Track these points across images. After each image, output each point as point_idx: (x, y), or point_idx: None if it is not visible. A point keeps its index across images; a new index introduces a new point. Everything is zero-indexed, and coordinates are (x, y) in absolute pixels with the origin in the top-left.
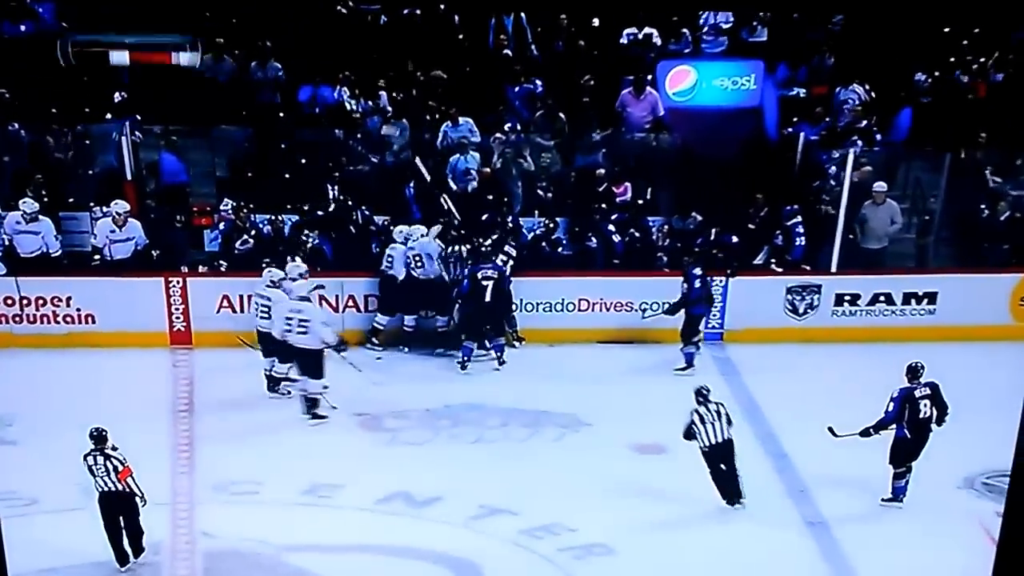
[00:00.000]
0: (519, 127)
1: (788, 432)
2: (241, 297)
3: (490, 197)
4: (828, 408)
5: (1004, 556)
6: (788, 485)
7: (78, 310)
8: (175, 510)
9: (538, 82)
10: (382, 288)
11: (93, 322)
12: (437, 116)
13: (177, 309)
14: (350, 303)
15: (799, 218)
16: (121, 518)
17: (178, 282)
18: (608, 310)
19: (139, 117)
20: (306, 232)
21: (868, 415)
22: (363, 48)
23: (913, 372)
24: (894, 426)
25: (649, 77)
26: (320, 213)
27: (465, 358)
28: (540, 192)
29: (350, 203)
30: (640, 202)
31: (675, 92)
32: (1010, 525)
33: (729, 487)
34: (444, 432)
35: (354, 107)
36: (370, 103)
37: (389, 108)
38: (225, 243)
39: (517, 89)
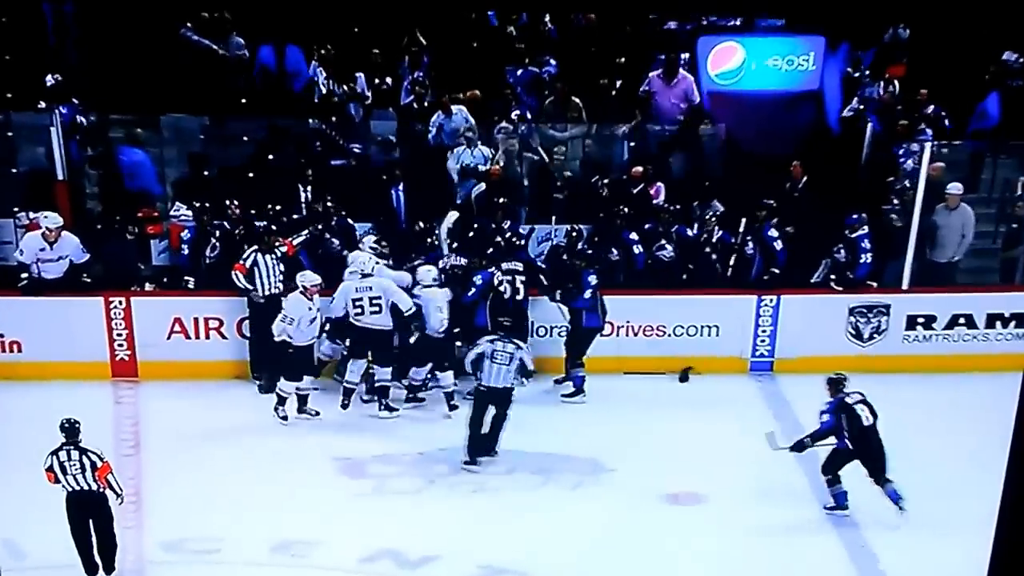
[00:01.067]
0: (529, 116)
1: (852, 484)
2: (197, 320)
3: (503, 200)
4: (900, 452)
5: (1000, 556)
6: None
7: (0, 336)
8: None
9: (552, 62)
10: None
11: (19, 351)
12: (426, 104)
13: (120, 335)
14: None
15: (866, 228)
16: (92, 523)
17: (120, 303)
18: (635, 335)
19: (77, 102)
20: (278, 240)
21: (950, 460)
22: (337, 18)
23: (836, 385)
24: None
25: (686, 56)
26: (295, 218)
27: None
28: (554, 194)
29: (327, 206)
30: (672, 207)
31: (719, 73)
32: (1006, 525)
33: (483, 441)
34: (440, 480)
35: (330, 89)
36: (345, 88)
37: (368, 93)
38: (194, 254)
39: (520, 72)
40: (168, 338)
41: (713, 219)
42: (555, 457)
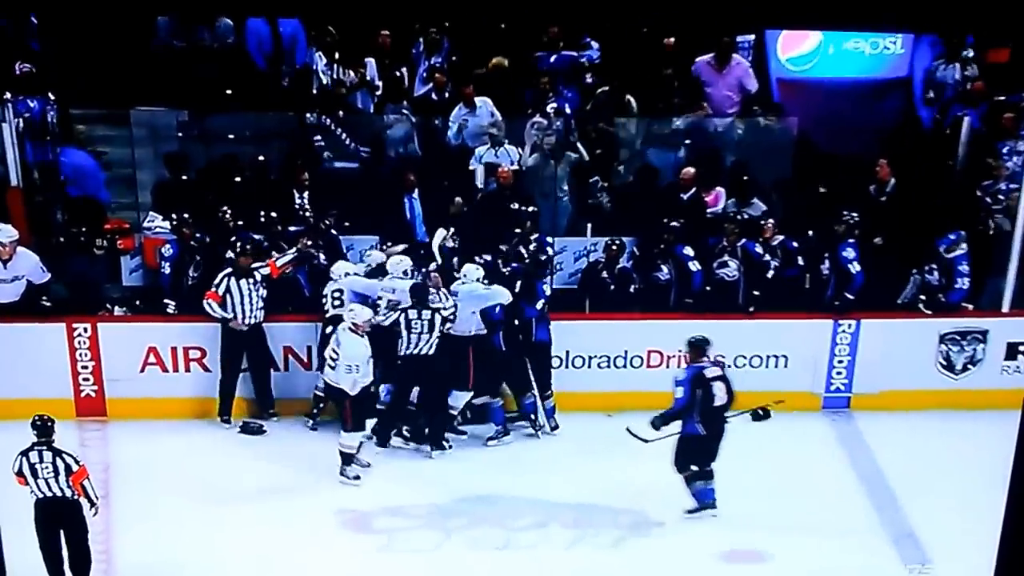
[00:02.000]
0: (568, 109)
1: (941, 547)
2: (175, 350)
3: (517, 206)
4: (995, 500)
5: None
6: None
7: None
8: None
9: (594, 45)
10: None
11: None
12: (447, 95)
13: (85, 367)
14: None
15: (964, 248)
16: (63, 534)
17: (86, 330)
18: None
19: (52, 97)
20: (253, 261)
21: None
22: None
23: (697, 349)
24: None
25: (750, 39)
26: (291, 230)
27: (499, 428)
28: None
29: (326, 219)
30: (739, 216)
31: (790, 58)
32: (1011, 527)
33: (430, 429)
34: (459, 535)
35: (334, 77)
36: (352, 74)
37: (378, 82)
38: (177, 273)
39: (555, 58)
40: (142, 371)
41: (734, 228)
42: (593, 508)
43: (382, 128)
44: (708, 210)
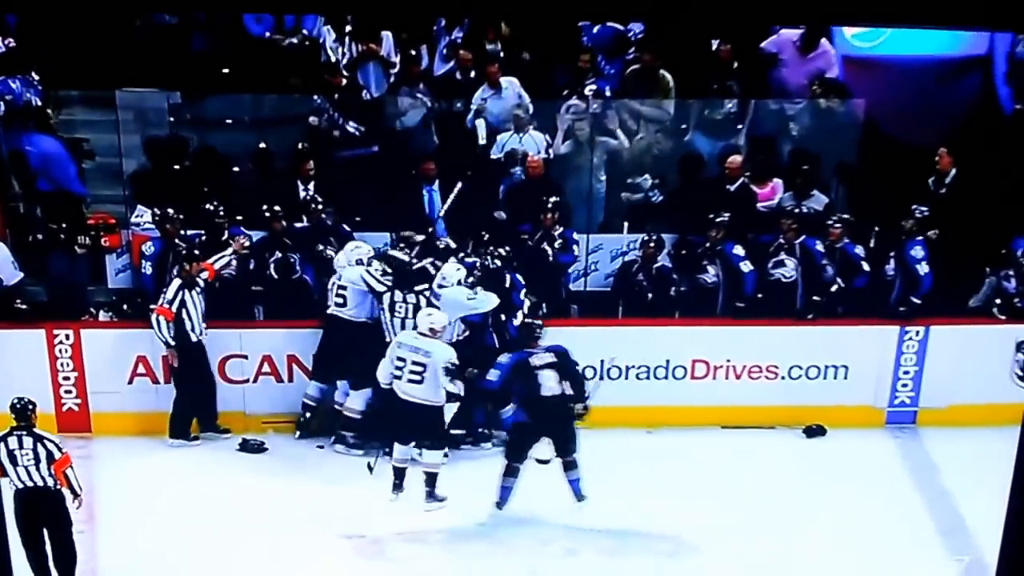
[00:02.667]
0: (608, 91)
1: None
2: (167, 360)
3: (547, 199)
4: None
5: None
6: None
7: None
8: None
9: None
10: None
11: None
12: (472, 75)
13: (67, 379)
14: None
15: None
16: (45, 531)
17: (68, 336)
18: (737, 377)
19: (36, 76)
20: (278, 254)
21: None
22: None
23: (528, 331)
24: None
25: None
26: (296, 227)
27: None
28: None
29: (330, 212)
30: (799, 210)
31: (857, 34)
32: (1012, 527)
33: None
34: (480, 562)
35: (341, 54)
36: (364, 49)
37: (394, 58)
38: (158, 274)
39: (597, 29)
40: (130, 382)
41: (791, 223)
42: (627, 535)
43: (397, 112)
44: (762, 204)
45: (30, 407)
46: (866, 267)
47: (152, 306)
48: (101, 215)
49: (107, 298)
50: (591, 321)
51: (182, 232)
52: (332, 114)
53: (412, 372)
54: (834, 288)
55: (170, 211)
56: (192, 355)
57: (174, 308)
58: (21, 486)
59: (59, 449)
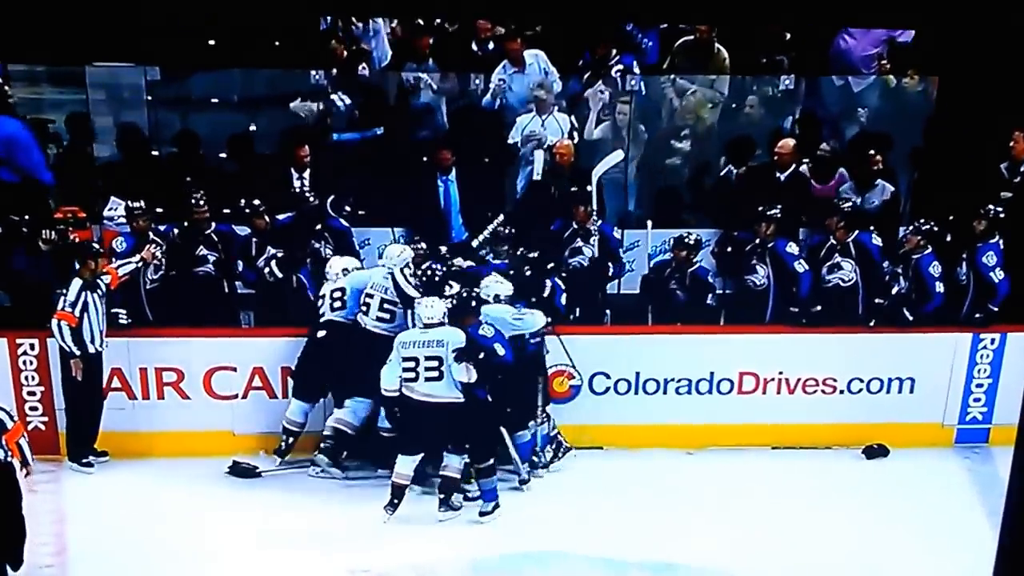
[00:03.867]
0: (636, 67)
1: None
2: (145, 372)
3: (575, 189)
4: None
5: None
6: None
7: None
8: None
9: None
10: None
11: None
12: (490, 45)
13: (33, 394)
14: None
15: None
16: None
17: (32, 347)
18: (791, 392)
19: None
20: (272, 254)
21: None
22: None
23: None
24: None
25: None
26: (285, 219)
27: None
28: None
29: (338, 206)
30: (847, 204)
31: None
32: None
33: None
34: None
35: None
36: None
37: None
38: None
39: None
40: (104, 398)
41: (839, 220)
42: (667, 568)
43: (404, 90)
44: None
45: None
46: (939, 288)
47: (117, 311)
48: (70, 208)
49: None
50: (626, 329)
51: (156, 227)
52: (334, 92)
53: (429, 369)
54: (895, 290)
55: (141, 204)
56: (92, 367)
57: (77, 312)
58: None
59: (11, 418)
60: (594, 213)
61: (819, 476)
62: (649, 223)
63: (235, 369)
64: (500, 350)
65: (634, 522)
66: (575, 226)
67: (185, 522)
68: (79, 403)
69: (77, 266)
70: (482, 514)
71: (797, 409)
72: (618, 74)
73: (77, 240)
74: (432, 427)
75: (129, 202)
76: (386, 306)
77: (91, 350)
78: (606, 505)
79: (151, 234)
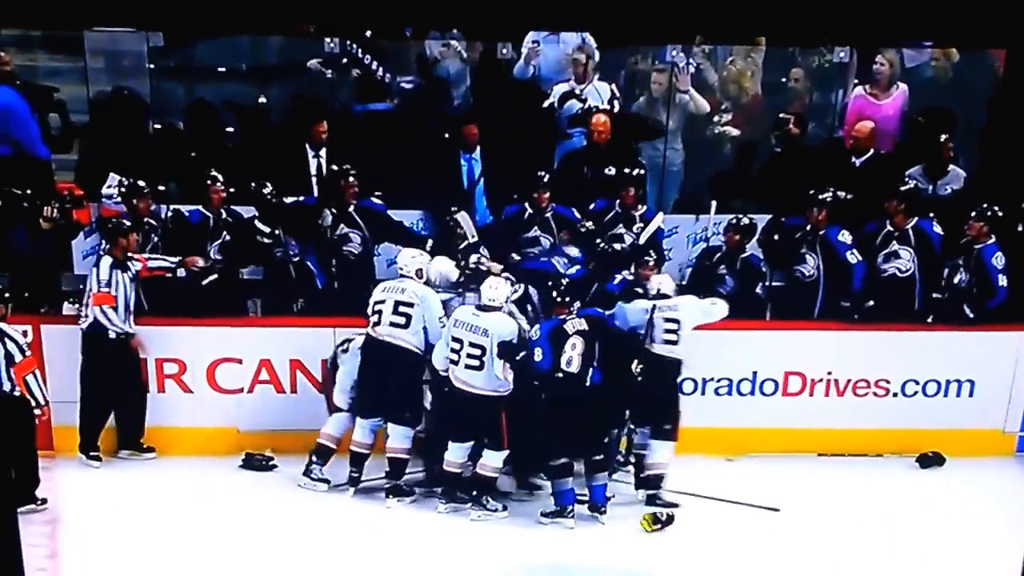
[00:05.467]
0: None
1: None
2: (145, 364)
3: (611, 171)
4: None
5: None
6: None
7: None
8: None
9: None
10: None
11: None
12: None
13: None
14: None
15: None
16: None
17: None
18: (840, 394)
19: None
20: (274, 234)
21: None
22: None
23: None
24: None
25: None
26: (298, 201)
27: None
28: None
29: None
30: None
31: None
32: None
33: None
34: None
35: None
36: None
37: None
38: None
39: None
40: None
41: (899, 204)
42: None
43: (428, 60)
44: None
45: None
46: (1003, 282)
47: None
48: (68, 184)
49: (73, 287)
50: None
51: (154, 209)
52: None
53: (470, 356)
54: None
55: (141, 183)
56: (108, 351)
57: (113, 291)
58: None
59: (21, 351)
60: (641, 197)
61: (869, 486)
62: (713, 203)
63: (240, 361)
64: (538, 354)
65: (669, 533)
66: (618, 210)
67: (189, 523)
68: (103, 392)
69: (106, 245)
70: (593, 510)
71: (846, 413)
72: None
73: (76, 220)
74: (470, 418)
75: (123, 179)
76: (402, 309)
77: (121, 327)
78: (639, 516)
79: (151, 218)
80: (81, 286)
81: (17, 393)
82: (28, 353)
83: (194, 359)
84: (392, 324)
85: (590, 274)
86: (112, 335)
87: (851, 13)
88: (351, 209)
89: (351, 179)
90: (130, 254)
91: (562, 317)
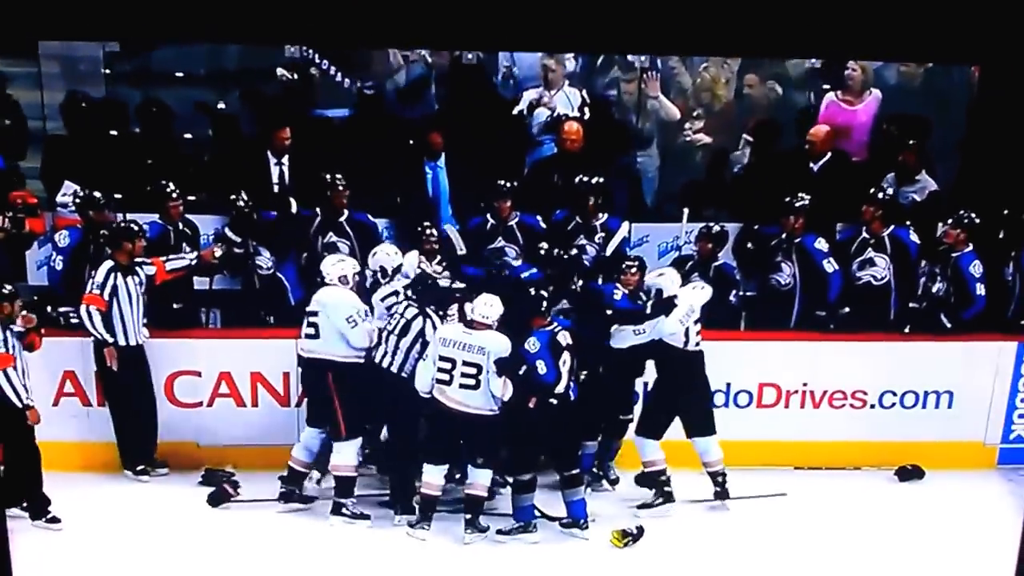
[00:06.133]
0: None
1: None
2: (97, 375)
3: (587, 179)
4: None
5: None
6: None
7: None
8: None
9: None
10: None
11: None
12: None
13: None
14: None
15: None
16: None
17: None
18: (816, 406)
19: None
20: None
21: None
22: None
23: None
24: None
25: None
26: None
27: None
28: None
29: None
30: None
31: None
32: None
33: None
34: None
35: None
36: None
37: None
38: (74, 270)
39: None
40: (55, 404)
41: (876, 210)
42: None
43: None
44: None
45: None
46: (980, 291)
47: (64, 309)
48: (20, 193)
49: (27, 298)
50: None
51: (113, 218)
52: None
53: (465, 376)
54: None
55: (96, 193)
56: (131, 362)
57: (106, 294)
58: None
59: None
60: (601, 206)
61: (847, 500)
62: (685, 211)
63: (199, 374)
64: (542, 367)
65: (644, 552)
66: (578, 220)
67: (152, 542)
68: (123, 405)
69: (109, 251)
70: (564, 526)
71: (823, 425)
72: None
73: (29, 228)
74: (460, 437)
75: (79, 188)
76: (310, 319)
77: (122, 342)
78: (609, 528)
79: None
80: (35, 297)
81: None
82: (3, 349)
83: (158, 370)
84: (305, 336)
85: (546, 280)
86: (122, 343)
87: (823, 26)
88: (342, 219)
89: (341, 188)
90: (141, 260)
91: (549, 329)
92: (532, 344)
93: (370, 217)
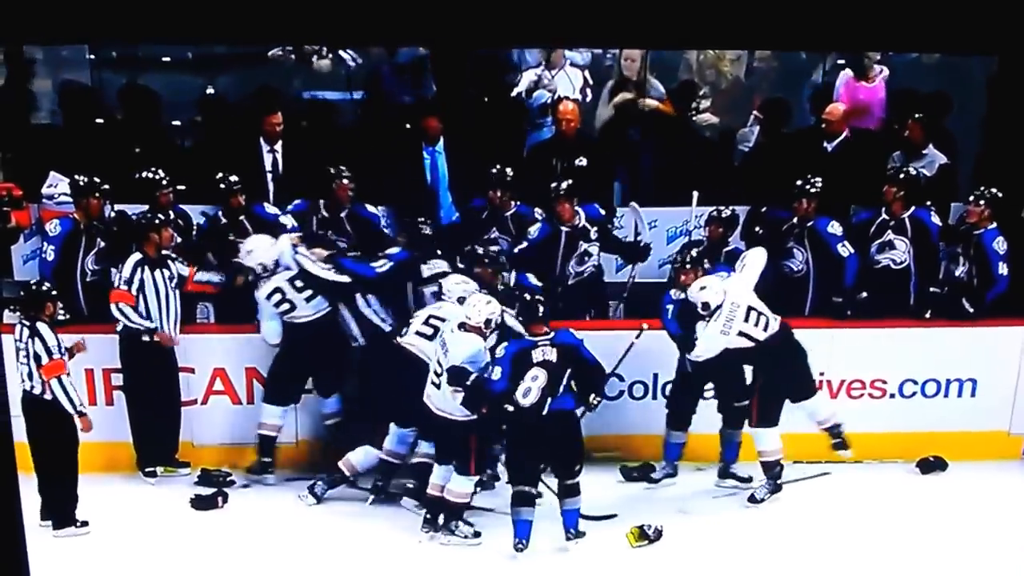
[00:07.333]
0: None
1: None
2: (92, 374)
3: (582, 162)
4: None
5: None
6: None
7: None
8: None
9: None
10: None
11: None
12: None
13: None
14: None
15: None
16: (46, 448)
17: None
18: (834, 396)
19: None
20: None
21: None
22: None
23: (530, 311)
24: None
25: None
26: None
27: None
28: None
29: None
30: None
31: None
32: None
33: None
34: None
35: None
36: None
37: None
38: (67, 263)
39: None
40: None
41: (897, 190)
42: None
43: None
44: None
45: (44, 290)
46: (1003, 271)
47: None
48: (4, 186)
49: (13, 292)
50: (638, 322)
51: (106, 208)
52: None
53: (435, 374)
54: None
55: (96, 180)
56: (150, 358)
57: (134, 289)
58: (25, 391)
59: (48, 353)
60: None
61: (866, 493)
62: (695, 194)
63: (192, 371)
64: (496, 374)
65: (657, 550)
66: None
67: (144, 547)
68: (147, 402)
69: (134, 244)
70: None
71: (841, 416)
72: None
73: (15, 221)
74: (439, 436)
75: (78, 177)
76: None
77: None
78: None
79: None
80: (21, 292)
81: (48, 397)
82: (56, 356)
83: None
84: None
85: (407, 261)
86: (146, 339)
87: (838, 18)
88: (343, 214)
89: (346, 181)
90: (177, 257)
91: (534, 340)
92: (500, 350)
93: (370, 208)
